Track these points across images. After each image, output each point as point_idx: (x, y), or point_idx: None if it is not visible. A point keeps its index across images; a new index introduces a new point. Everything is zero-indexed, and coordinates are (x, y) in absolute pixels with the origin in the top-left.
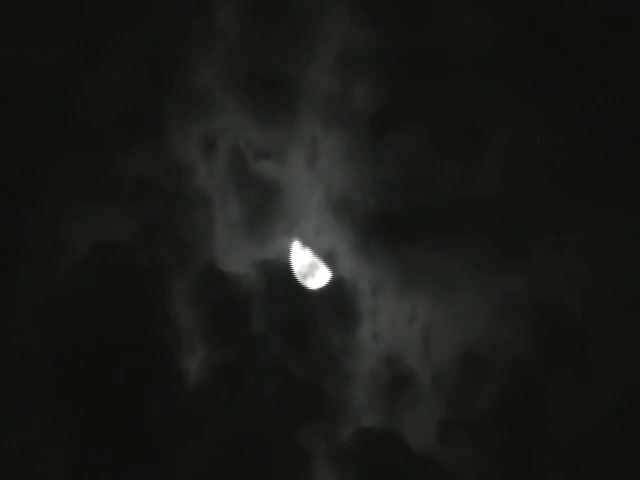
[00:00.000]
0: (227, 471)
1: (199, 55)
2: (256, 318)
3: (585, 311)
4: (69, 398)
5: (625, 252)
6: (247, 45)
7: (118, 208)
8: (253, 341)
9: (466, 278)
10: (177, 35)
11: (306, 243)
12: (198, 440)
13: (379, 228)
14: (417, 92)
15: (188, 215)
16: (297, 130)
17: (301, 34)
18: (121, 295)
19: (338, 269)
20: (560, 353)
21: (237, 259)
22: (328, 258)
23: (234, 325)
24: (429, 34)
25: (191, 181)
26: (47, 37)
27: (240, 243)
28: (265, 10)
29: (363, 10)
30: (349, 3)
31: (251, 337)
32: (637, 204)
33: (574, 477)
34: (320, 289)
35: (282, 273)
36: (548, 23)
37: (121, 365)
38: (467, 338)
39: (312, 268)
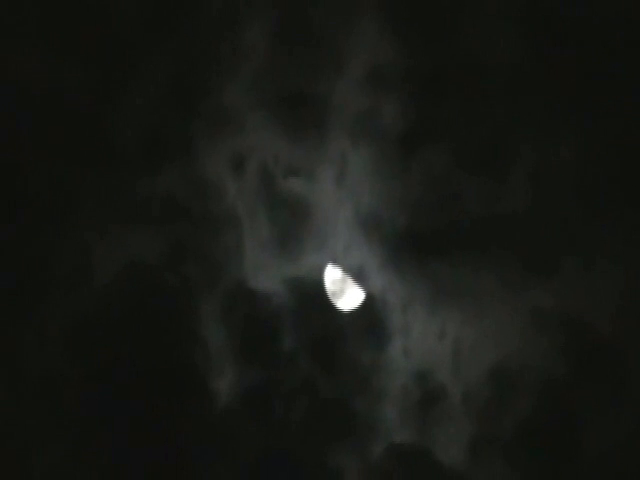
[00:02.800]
0: None
1: (227, 75)
2: (286, 336)
3: (616, 328)
4: (98, 421)
5: None
6: (275, 64)
7: (147, 229)
8: (283, 360)
9: (496, 294)
10: (204, 56)
11: (335, 260)
12: (228, 461)
13: (408, 245)
14: (445, 109)
15: (217, 234)
16: (325, 148)
17: (328, 52)
18: (150, 316)
19: (368, 286)
20: (591, 370)
21: (266, 277)
22: (358, 275)
23: (264, 344)
24: (457, 50)
25: (220, 200)
26: (74, 59)
27: (269, 261)
28: (292, 29)
29: (390, 27)
30: (376, 20)
31: (281, 356)
32: None
33: None
34: (350, 306)
35: (311, 291)
36: (578, 37)
37: (150, 386)
38: (497, 354)
39: (342, 285)
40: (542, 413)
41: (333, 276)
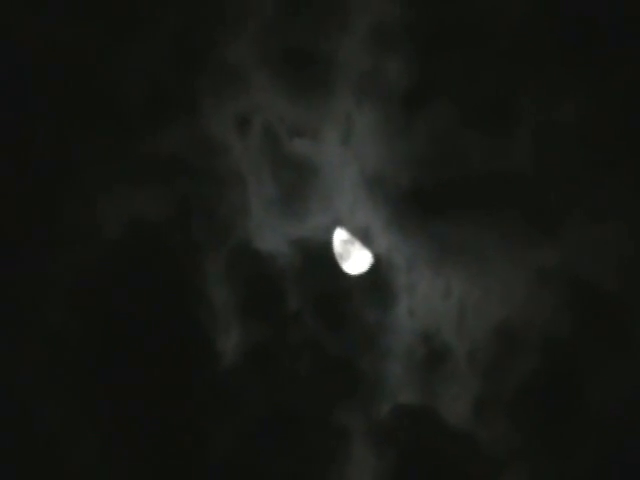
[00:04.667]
0: (264, 450)
1: (232, 34)
2: (291, 296)
3: (620, 283)
4: (101, 379)
5: None
6: (280, 22)
7: (152, 187)
8: (289, 319)
9: (500, 252)
10: (210, 13)
11: (340, 220)
12: (234, 419)
13: (413, 204)
14: (449, 67)
15: (222, 193)
16: (331, 107)
17: (333, 10)
18: (155, 275)
19: (373, 246)
20: (595, 327)
21: (272, 237)
22: (363, 235)
23: (269, 303)
24: (461, 7)
25: (225, 160)
26: (77, 15)
27: (274, 221)
28: None
29: None
30: None
31: (286, 315)
32: None
33: (611, 451)
34: (355, 266)
35: (317, 251)
36: None
37: (155, 345)
38: (502, 312)
39: (347, 245)
40: (546, 371)
41: (338, 236)
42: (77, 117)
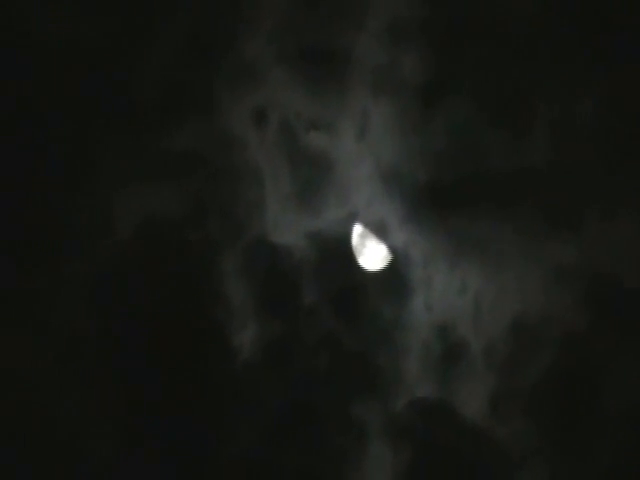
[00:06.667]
0: (280, 445)
1: (249, 29)
2: (307, 291)
3: (637, 280)
4: (119, 376)
5: None
6: (296, 17)
7: (168, 183)
8: (305, 314)
9: (517, 247)
10: (226, 9)
11: (357, 215)
12: (251, 414)
13: (429, 198)
14: (466, 61)
15: (238, 189)
16: (347, 102)
17: (349, 5)
18: (171, 271)
19: (389, 240)
20: (612, 323)
21: (288, 232)
22: (379, 229)
23: (286, 298)
24: (477, 1)
25: (241, 155)
26: (94, 12)
27: (290, 216)
28: None
29: None
30: None
31: (303, 310)
32: None
33: (627, 448)
34: (371, 261)
35: (333, 245)
36: None
37: (171, 342)
38: (518, 308)
39: (363, 240)
40: (563, 367)
41: (355, 231)
42: (92, 114)
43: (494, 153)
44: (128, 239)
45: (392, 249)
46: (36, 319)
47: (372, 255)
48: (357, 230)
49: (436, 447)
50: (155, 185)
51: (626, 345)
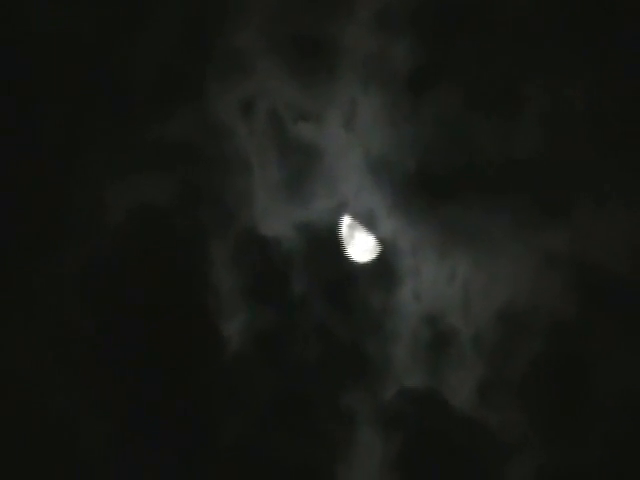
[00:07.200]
0: (271, 434)
1: (238, 19)
2: (297, 281)
3: (628, 268)
4: (110, 365)
5: None
6: (285, 8)
7: (158, 172)
8: (294, 304)
9: (506, 236)
10: None
11: (346, 205)
12: (241, 404)
13: (418, 188)
14: (455, 50)
15: (228, 178)
16: (336, 91)
17: None
18: (161, 259)
19: (378, 230)
20: (601, 311)
21: (277, 222)
22: (368, 219)
23: (275, 288)
24: None
25: (230, 144)
26: (84, 3)
27: (279, 206)
28: None
29: None
30: None
31: (292, 300)
32: None
33: (617, 436)
34: (360, 250)
35: (322, 235)
36: None
37: (161, 331)
38: (508, 296)
39: (352, 229)
40: (552, 355)
41: (344, 221)
42: (83, 104)
43: (484, 142)
44: (118, 228)
45: (381, 239)
46: (30, 307)
47: (361, 244)
48: (346, 220)
49: (426, 435)
50: (144, 175)
51: (615, 333)
